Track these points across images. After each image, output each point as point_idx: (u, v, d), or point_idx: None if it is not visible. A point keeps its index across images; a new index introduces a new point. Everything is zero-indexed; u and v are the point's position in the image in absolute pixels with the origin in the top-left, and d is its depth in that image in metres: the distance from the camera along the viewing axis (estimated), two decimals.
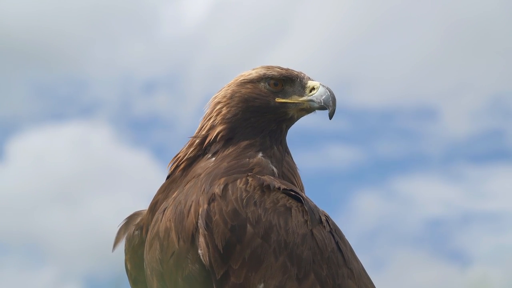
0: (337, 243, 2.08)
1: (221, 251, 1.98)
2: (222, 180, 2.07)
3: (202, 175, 2.12)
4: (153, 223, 2.12)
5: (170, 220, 2.06)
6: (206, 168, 2.14)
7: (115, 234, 2.24)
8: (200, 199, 2.04)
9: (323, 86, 2.24)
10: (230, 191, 2.03)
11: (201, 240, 2.00)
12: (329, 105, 2.22)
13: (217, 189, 2.03)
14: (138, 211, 2.26)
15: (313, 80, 2.26)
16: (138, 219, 2.23)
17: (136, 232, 2.21)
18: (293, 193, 2.08)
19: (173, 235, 2.04)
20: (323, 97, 2.23)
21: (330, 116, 2.21)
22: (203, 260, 1.99)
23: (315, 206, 2.11)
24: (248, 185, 2.04)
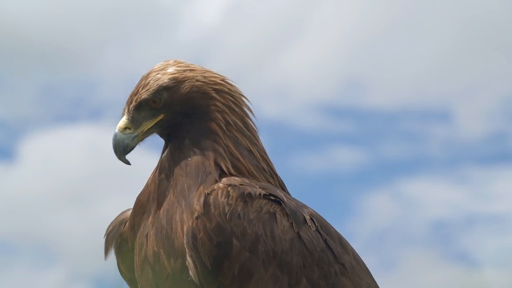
0: (325, 240, 2.05)
1: (210, 269, 1.96)
2: (201, 190, 2.03)
3: (169, 197, 2.07)
4: (138, 246, 2.09)
5: (157, 246, 2.03)
6: (167, 190, 2.09)
7: (104, 244, 2.20)
8: (184, 216, 2.01)
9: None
10: (212, 207, 1.99)
11: (189, 260, 1.97)
12: None
13: (197, 207, 2.00)
14: (120, 219, 2.22)
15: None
16: (122, 228, 2.19)
17: (123, 243, 2.17)
18: (273, 197, 2.03)
19: (163, 259, 2.02)
20: None
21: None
22: (193, 279, 1.97)
23: (297, 206, 2.07)
24: (230, 197, 1.99)
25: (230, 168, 2.07)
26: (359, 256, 2.14)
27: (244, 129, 2.13)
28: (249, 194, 2.01)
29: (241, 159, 2.09)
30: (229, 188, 2.01)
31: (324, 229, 2.07)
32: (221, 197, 2.00)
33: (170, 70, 2.14)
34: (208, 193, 2.01)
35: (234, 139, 2.11)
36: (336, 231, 2.12)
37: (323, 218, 2.12)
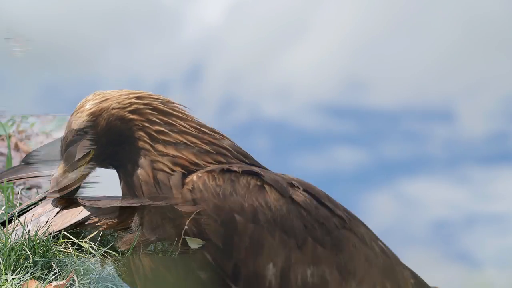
0: (316, 198, 2.12)
1: (222, 248, 2.01)
2: (179, 192, 2.06)
3: (147, 214, 2.10)
4: (135, 268, 2.12)
5: (154, 264, 2.07)
6: (142, 210, 2.11)
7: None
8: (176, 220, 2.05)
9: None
10: (204, 192, 2.04)
11: (205, 253, 2.02)
12: None
13: (188, 206, 2.03)
14: None
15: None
16: None
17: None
18: (252, 172, 2.09)
19: (164, 273, 2.06)
20: None
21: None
22: (202, 275, 2.03)
23: (275, 175, 2.12)
24: (218, 180, 2.05)
25: (173, 167, 2.10)
26: (348, 210, 2.21)
27: (170, 129, 2.15)
28: (233, 173, 2.07)
29: (178, 154, 2.12)
30: (213, 173, 2.07)
31: (310, 189, 2.14)
32: (209, 181, 2.05)
33: (88, 106, 2.18)
34: (191, 188, 2.06)
35: (163, 142, 2.13)
36: (320, 190, 2.18)
37: (304, 181, 2.17)
